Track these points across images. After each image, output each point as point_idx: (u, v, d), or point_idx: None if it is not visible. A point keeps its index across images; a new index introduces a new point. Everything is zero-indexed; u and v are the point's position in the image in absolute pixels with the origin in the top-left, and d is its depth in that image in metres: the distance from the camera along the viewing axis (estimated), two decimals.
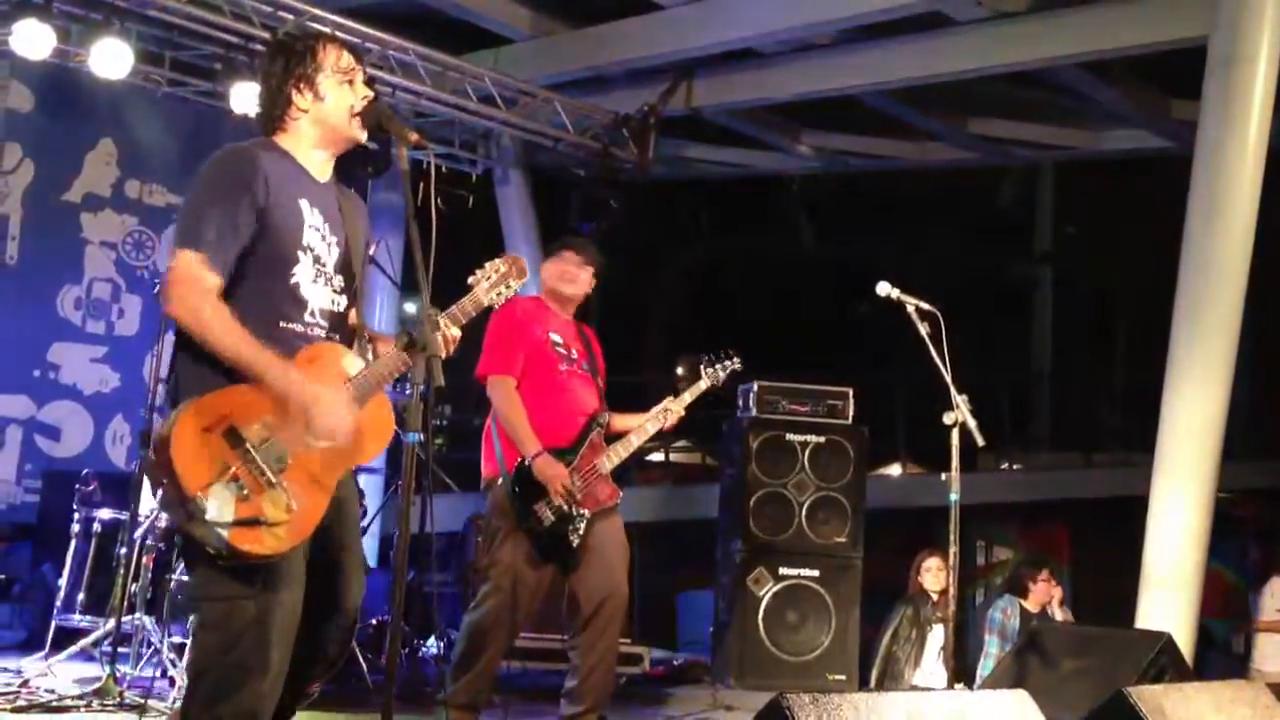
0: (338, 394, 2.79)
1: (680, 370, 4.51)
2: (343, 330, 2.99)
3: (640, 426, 4.54)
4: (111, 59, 7.16)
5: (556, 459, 4.35)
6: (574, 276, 4.68)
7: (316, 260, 2.92)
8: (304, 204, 2.91)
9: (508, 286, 3.08)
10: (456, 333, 2.97)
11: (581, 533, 4.35)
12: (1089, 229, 16.43)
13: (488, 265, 3.09)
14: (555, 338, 4.58)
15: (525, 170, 10.19)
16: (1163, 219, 7.49)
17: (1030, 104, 10.18)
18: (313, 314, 2.90)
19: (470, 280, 3.06)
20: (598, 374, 4.69)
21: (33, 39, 6.89)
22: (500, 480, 4.40)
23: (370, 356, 2.96)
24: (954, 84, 9.20)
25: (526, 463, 4.33)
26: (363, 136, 3.00)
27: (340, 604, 2.93)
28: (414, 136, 2.99)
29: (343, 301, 2.99)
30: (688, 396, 4.64)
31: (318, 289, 2.92)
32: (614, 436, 4.56)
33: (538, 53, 9.35)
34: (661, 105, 9.34)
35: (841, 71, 9.16)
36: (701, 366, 4.73)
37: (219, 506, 2.60)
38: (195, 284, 2.72)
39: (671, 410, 4.61)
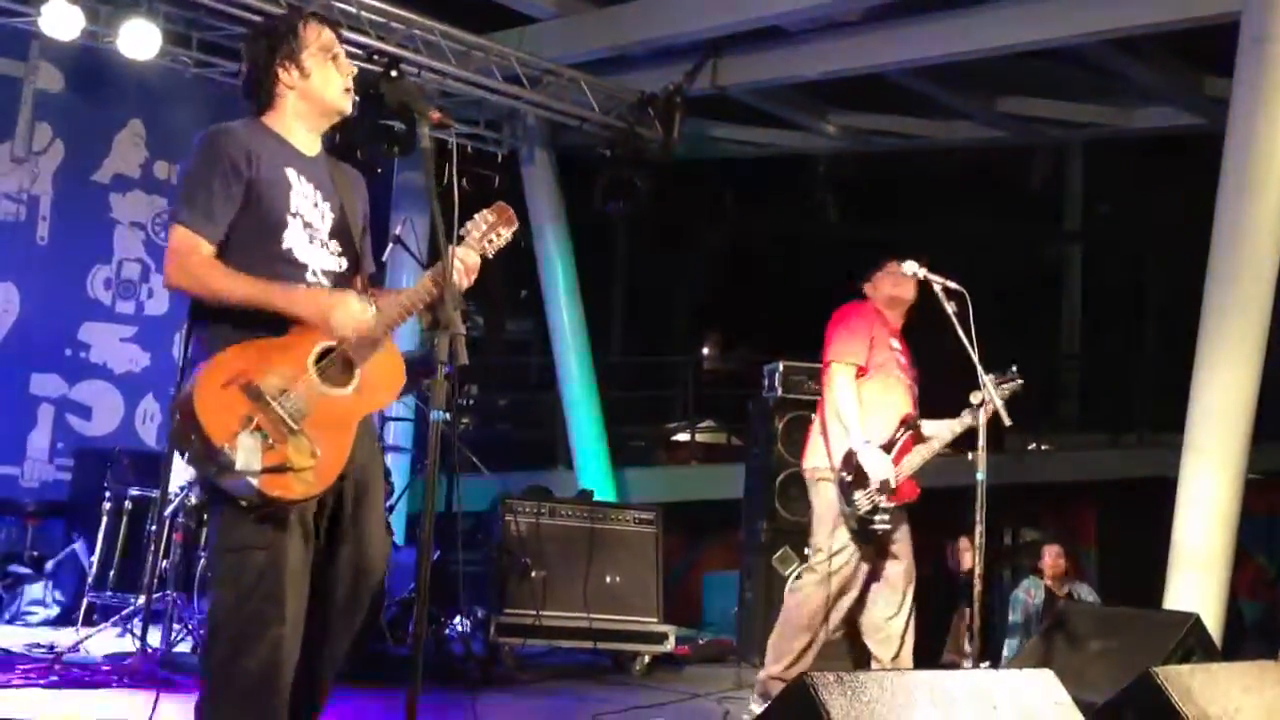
0: (340, 292, 2.91)
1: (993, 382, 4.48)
2: (348, 289, 3.04)
3: (939, 435, 4.72)
4: (140, 40, 7.20)
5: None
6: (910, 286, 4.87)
7: (307, 225, 2.99)
8: (290, 172, 2.99)
9: (499, 235, 3.08)
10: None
11: (889, 524, 4.64)
12: (1119, 207, 16.25)
13: (477, 216, 3.10)
14: (894, 343, 4.87)
15: (551, 150, 10.18)
16: (1194, 197, 7.40)
17: (1060, 81, 10.06)
18: (314, 273, 2.98)
19: (461, 231, 3.06)
20: (914, 381, 4.94)
21: (62, 20, 6.93)
22: (829, 470, 4.70)
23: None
24: (982, 62, 9.09)
25: (855, 451, 4.58)
26: (349, 109, 3.10)
27: (366, 563, 2.99)
28: (435, 115, 3.02)
29: (343, 263, 3.06)
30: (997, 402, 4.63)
31: (314, 250, 2.99)
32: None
33: (563, 32, 9.32)
34: (687, 84, 9.29)
35: (869, 50, 9.06)
36: (992, 384, 4.62)
37: (247, 455, 2.67)
38: (189, 251, 2.86)
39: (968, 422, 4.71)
